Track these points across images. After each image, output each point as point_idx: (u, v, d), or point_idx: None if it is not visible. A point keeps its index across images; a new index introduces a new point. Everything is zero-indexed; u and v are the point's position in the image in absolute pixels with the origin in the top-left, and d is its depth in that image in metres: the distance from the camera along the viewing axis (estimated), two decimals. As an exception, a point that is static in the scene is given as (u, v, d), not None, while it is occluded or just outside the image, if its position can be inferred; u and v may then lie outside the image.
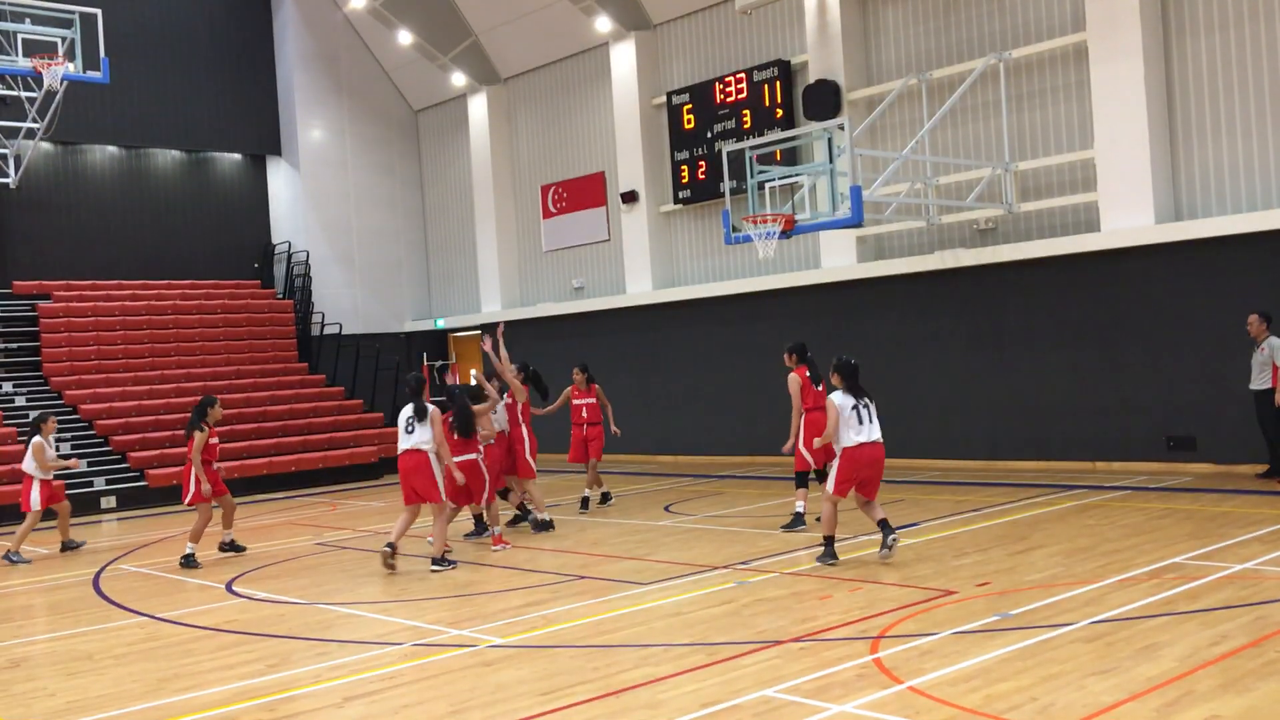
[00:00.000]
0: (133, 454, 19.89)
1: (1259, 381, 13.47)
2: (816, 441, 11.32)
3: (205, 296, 24.20)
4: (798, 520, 12.08)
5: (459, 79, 24.96)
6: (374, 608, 9.58)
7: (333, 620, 9.19)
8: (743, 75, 20.02)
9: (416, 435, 10.87)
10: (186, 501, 12.56)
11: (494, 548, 11.99)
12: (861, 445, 9.80)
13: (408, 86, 27.05)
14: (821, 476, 12.22)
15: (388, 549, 10.97)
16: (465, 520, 13.36)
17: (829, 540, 10.05)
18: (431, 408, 10.96)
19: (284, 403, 22.78)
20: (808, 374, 12.09)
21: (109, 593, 11.09)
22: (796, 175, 15.52)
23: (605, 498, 15.30)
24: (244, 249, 25.98)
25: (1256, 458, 14.00)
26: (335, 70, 26.30)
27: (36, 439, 13.79)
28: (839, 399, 9.87)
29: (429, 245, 27.76)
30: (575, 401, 14.99)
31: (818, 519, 12.07)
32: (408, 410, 10.97)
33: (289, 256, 25.87)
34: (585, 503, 14.98)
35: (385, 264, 27.06)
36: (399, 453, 11.02)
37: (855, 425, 9.76)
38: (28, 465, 13.75)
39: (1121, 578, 8.69)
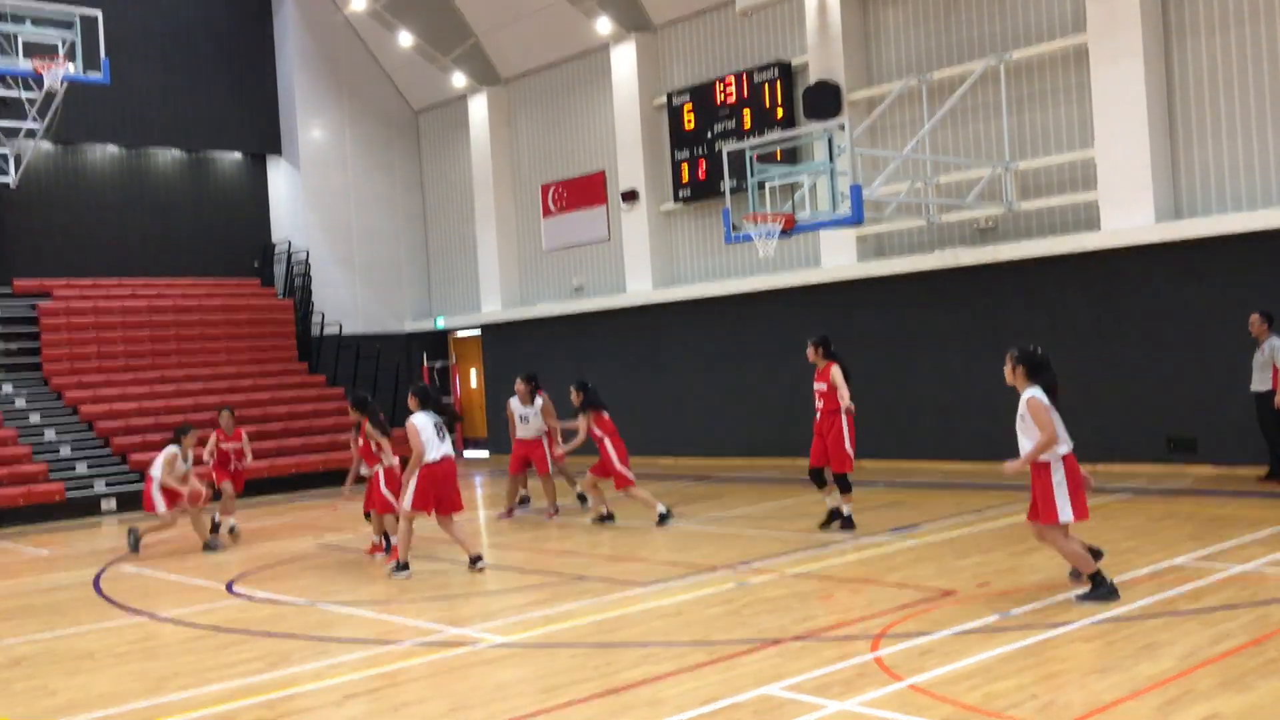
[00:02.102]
0: (133, 455, 19.88)
1: (1260, 383, 13.43)
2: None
3: (205, 296, 24.18)
4: (848, 523, 11.67)
5: (459, 80, 24.96)
6: (374, 607, 9.57)
7: (333, 620, 9.19)
8: (743, 76, 20.03)
9: (449, 443, 10.77)
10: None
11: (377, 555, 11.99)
12: (1070, 454, 8.09)
13: (408, 87, 27.05)
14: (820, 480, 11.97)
15: (479, 564, 10.80)
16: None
17: (1100, 577, 8.06)
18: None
19: (285, 403, 22.76)
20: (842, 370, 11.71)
21: (109, 592, 11.09)
22: (796, 174, 15.52)
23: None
24: (244, 248, 25.96)
25: (1257, 460, 13.99)
26: (335, 70, 26.30)
27: (171, 449, 13.24)
28: (1044, 397, 8.12)
29: (429, 245, 27.76)
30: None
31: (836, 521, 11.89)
32: (432, 418, 10.66)
33: (289, 256, 25.87)
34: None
35: (385, 264, 27.06)
36: (434, 461, 10.52)
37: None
38: (155, 469, 13.27)
39: (1122, 578, 8.68)
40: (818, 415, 11.90)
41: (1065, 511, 7.97)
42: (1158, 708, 5.66)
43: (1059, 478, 7.99)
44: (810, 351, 11.90)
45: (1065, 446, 8.04)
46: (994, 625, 7.49)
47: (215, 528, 14.14)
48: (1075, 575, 8.37)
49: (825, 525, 11.95)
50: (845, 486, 11.81)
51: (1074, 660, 6.54)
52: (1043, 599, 8.13)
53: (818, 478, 11.98)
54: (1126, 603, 7.86)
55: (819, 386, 11.82)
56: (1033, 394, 8.14)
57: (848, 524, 11.78)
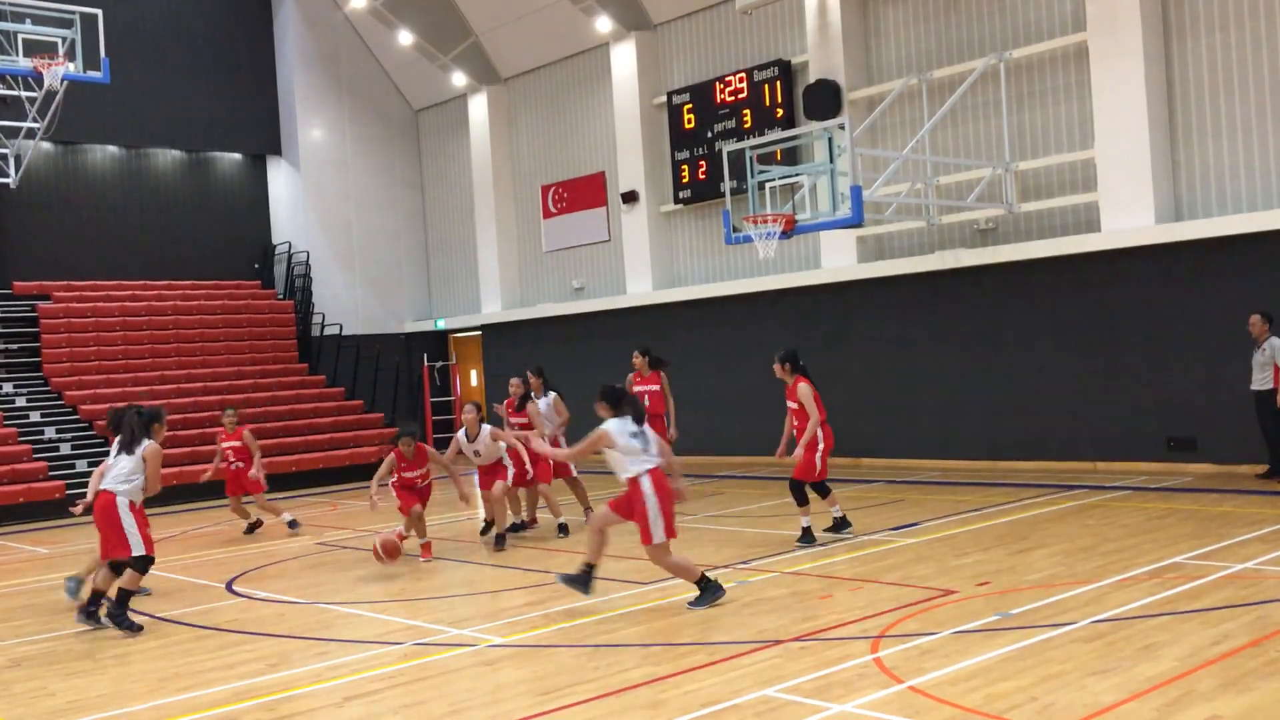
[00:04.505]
0: (133, 454, 19.86)
1: (1260, 382, 13.47)
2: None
3: (205, 296, 24.19)
4: (842, 524, 11.32)
5: (459, 79, 24.96)
6: (374, 608, 9.57)
7: (333, 620, 9.19)
8: (743, 75, 20.02)
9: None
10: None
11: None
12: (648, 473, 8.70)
13: (408, 86, 27.04)
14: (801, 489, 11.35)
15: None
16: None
17: (591, 569, 8.88)
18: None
19: (284, 403, 22.77)
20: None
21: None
22: (797, 175, 15.51)
23: None
24: (244, 249, 25.97)
25: (1257, 458, 14.00)
26: (335, 70, 26.30)
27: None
28: (615, 427, 8.67)
29: (429, 245, 27.76)
30: (637, 388, 14.27)
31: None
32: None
33: (289, 257, 25.87)
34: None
35: (385, 264, 27.06)
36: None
37: (639, 453, 8.62)
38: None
39: (1122, 577, 8.69)
40: (795, 435, 11.35)
41: (658, 530, 8.62)
42: (1158, 709, 5.66)
43: (653, 498, 8.66)
44: (777, 368, 11.33)
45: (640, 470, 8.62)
46: (994, 625, 7.49)
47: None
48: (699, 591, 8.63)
49: (833, 530, 11.46)
50: (801, 498, 11.19)
51: (1074, 661, 6.53)
52: (1043, 599, 8.13)
53: (798, 492, 11.36)
54: (1126, 602, 7.86)
55: (791, 405, 11.28)
56: (605, 427, 8.67)
57: (806, 537, 11.16)
